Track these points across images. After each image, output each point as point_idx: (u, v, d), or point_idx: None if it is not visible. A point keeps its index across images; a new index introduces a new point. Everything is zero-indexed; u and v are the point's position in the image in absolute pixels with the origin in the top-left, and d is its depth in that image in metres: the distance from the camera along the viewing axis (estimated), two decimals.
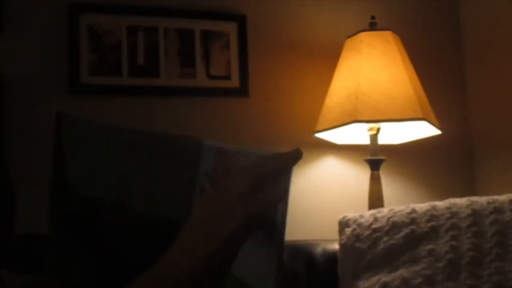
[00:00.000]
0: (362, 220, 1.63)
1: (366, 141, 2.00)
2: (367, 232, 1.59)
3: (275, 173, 0.68)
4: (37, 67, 1.94)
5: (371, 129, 1.95)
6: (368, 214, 1.65)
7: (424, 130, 1.99)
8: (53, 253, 0.71)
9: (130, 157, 0.70)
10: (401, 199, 2.12)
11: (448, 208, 1.56)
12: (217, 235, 0.64)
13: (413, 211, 1.58)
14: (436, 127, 1.94)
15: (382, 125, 1.95)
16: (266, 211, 0.66)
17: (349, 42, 2.01)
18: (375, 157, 1.95)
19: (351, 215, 1.68)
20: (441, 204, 1.58)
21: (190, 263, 0.63)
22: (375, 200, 1.92)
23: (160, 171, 0.70)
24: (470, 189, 2.20)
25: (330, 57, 2.10)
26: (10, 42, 1.91)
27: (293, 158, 0.69)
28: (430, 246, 1.49)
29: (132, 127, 0.72)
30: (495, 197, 1.55)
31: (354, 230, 1.62)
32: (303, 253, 1.78)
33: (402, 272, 1.47)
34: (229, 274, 0.69)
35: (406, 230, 1.54)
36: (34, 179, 1.85)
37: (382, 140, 2.00)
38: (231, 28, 2.12)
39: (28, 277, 0.93)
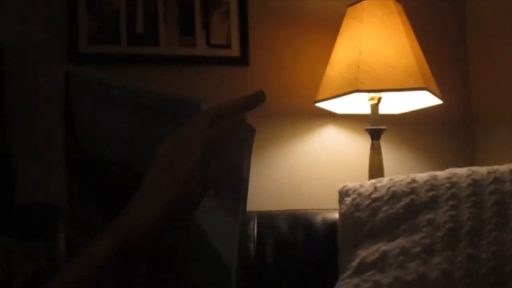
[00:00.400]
0: (362, 190, 1.63)
1: (367, 110, 1.99)
2: (367, 202, 1.59)
3: (233, 111, 0.67)
4: (36, 35, 1.92)
5: (372, 98, 1.94)
6: (368, 184, 1.65)
7: (426, 99, 1.98)
8: (71, 206, 0.72)
9: (133, 116, 0.70)
10: (402, 169, 2.12)
11: (448, 178, 1.56)
12: (175, 178, 0.63)
13: (413, 180, 1.58)
14: (438, 96, 1.93)
15: (383, 94, 1.94)
16: (223, 144, 0.65)
17: (351, 11, 1.98)
18: (375, 127, 1.94)
19: (351, 184, 1.68)
20: (441, 174, 1.58)
21: (146, 224, 0.62)
22: (375, 169, 1.92)
23: (162, 131, 0.70)
24: (470, 159, 2.20)
25: (332, 26, 2.08)
26: (9, 10, 1.89)
27: (254, 99, 0.68)
28: (430, 216, 1.49)
29: (136, 86, 0.72)
30: (496, 167, 1.55)
31: (354, 199, 1.63)
32: (302, 222, 1.78)
33: (401, 241, 1.48)
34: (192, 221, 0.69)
35: (406, 200, 1.54)
36: (33, 147, 1.85)
37: (383, 109, 1.99)
38: None
39: (28, 245, 0.93)
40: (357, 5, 1.96)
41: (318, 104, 2.00)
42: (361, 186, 1.65)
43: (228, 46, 2.08)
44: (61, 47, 1.93)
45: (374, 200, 1.59)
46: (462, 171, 1.57)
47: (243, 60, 2.08)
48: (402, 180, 1.59)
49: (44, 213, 1.69)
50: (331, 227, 1.73)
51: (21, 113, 1.87)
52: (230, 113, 0.66)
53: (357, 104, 2.04)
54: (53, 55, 1.92)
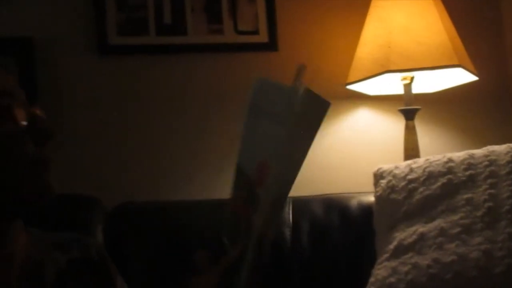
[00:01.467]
0: (397, 171, 1.60)
1: (400, 90, 1.96)
2: (403, 183, 1.57)
3: None
4: (65, 29, 1.94)
5: (404, 78, 1.90)
6: (403, 165, 1.62)
7: (460, 76, 1.93)
8: None
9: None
10: (437, 149, 2.08)
11: (486, 155, 1.52)
12: None
13: (450, 160, 1.54)
14: (473, 73, 1.89)
15: (416, 73, 1.90)
16: None
17: None
18: (409, 107, 1.91)
19: (386, 166, 1.66)
20: (479, 152, 1.54)
21: None
22: (411, 150, 1.89)
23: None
24: (509, 136, 2.14)
25: (360, 6, 2.04)
26: (37, 4, 1.91)
27: None
28: (468, 195, 1.46)
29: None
30: None
31: (389, 181, 1.60)
32: (337, 206, 1.76)
33: (439, 222, 1.45)
34: None
35: (442, 180, 1.51)
36: (64, 140, 1.87)
37: (416, 89, 1.96)
38: None
39: (61, 235, 0.93)
40: None
41: (349, 87, 1.97)
42: (396, 167, 1.62)
43: (256, 32, 2.06)
44: (90, 39, 1.94)
45: (410, 181, 1.56)
46: (501, 148, 1.53)
47: (271, 45, 2.07)
48: (438, 160, 1.56)
49: (83, 204, 1.71)
50: (366, 210, 1.71)
51: (51, 108, 1.89)
52: None
53: (389, 84, 2.01)
54: (83, 47, 1.94)
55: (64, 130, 1.88)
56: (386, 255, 1.49)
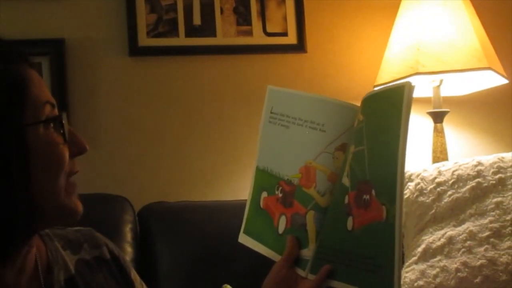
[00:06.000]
0: (425, 174, 1.60)
1: (428, 93, 1.95)
2: (431, 186, 1.56)
3: None
4: (96, 30, 1.96)
5: (433, 81, 1.90)
6: (431, 168, 1.62)
7: (490, 79, 1.92)
8: None
9: None
10: (466, 152, 2.06)
11: None
12: None
13: (479, 163, 1.54)
14: (503, 76, 1.87)
15: (445, 76, 1.89)
16: None
17: None
18: (438, 109, 1.90)
19: (414, 169, 1.65)
20: (508, 155, 1.54)
21: None
22: (439, 153, 1.88)
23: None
24: None
25: (389, 8, 2.04)
26: (70, 6, 1.94)
27: None
28: (498, 199, 1.45)
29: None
30: None
31: (417, 184, 1.60)
32: None
33: (468, 225, 1.45)
34: None
35: (472, 183, 1.50)
36: (96, 141, 1.90)
37: (445, 91, 1.95)
38: None
39: (70, 231, 0.94)
40: None
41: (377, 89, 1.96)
42: (424, 170, 1.62)
43: (285, 34, 2.07)
44: (121, 41, 1.96)
45: (439, 184, 1.55)
46: None
47: (300, 47, 2.07)
48: (467, 163, 1.55)
49: (112, 203, 1.72)
50: None
51: (83, 108, 1.92)
52: None
53: (418, 86, 1.99)
54: (114, 48, 1.96)
55: (94, 130, 1.90)
56: (414, 258, 1.49)
